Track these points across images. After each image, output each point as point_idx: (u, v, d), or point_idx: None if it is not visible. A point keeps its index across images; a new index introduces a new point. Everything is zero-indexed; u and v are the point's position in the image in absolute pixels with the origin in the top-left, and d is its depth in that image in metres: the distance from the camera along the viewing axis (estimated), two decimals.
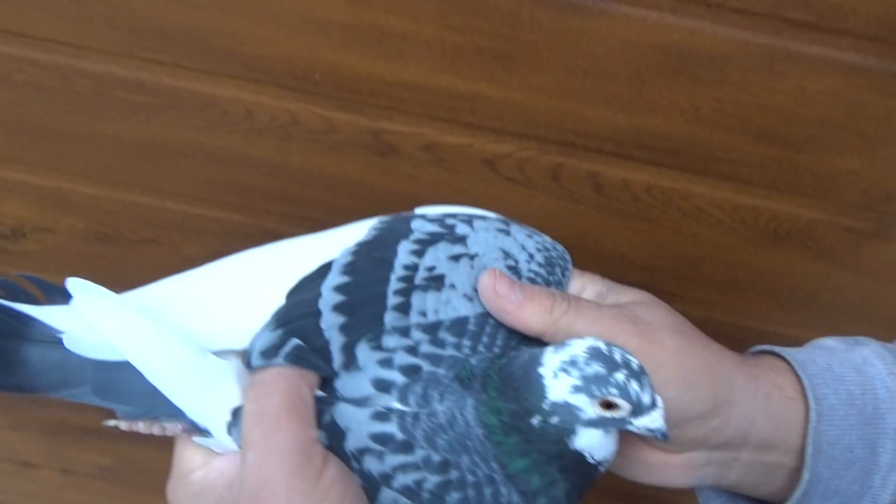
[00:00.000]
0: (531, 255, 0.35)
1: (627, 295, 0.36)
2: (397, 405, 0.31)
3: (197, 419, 0.31)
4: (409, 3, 0.49)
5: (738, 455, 0.36)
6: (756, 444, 0.35)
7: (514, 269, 0.34)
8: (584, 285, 0.37)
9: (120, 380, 0.31)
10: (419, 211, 0.38)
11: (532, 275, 0.35)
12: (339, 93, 0.55)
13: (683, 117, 0.53)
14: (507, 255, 0.35)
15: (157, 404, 0.31)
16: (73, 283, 0.31)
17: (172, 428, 0.32)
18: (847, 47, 0.49)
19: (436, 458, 0.30)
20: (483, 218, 0.37)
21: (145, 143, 0.60)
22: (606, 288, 0.37)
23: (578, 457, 0.31)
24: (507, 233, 0.36)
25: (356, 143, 0.57)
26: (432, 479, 0.30)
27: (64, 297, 0.31)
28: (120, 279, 0.70)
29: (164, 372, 0.30)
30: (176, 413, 0.31)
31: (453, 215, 0.36)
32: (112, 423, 0.33)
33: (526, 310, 0.33)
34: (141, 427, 0.32)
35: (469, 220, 0.35)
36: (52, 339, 0.30)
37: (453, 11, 0.50)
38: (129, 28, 0.53)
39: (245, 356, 0.32)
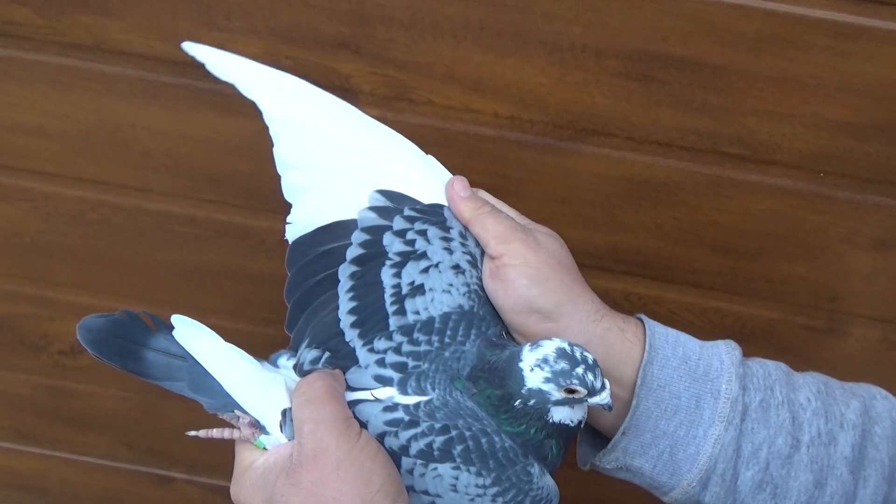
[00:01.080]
0: (465, 237, 0.46)
1: (540, 226, 0.48)
2: (400, 399, 0.41)
3: (257, 417, 0.41)
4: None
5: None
6: (617, 366, 0.44)
7: (458, 268, 0.45)
8: (503, 205, 0.49)
9: (206, 380, 0.41)
10: (377, 189, 0.47)
11: (469, 254, 0.46)
12: None
13: (649, 234, 0.63)
14: (450, 250, 0.46)
15: (231, 400, 0.41)
16: (176, 318, 0.43)
17: (242, 425, 0.41)
18: (778, 174, 0.59)
19: (437, 425, 0.41)
20: (431, 223, 0.46)
21: (193, 269, 0.70)
22: (520, 215, 0.48)
23: (560, 425, 0.41)
24: (448, 229, 0.46)
25: None
26: (439, 440, 0.40)
27: (169, 328, 0.43)
28: (163, 389, 0.79)
29: (235, 382, 0.41)
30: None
31: (411, 222, 0.46)
32: (192, 433, 0.43)
33: (464, 203, 0.46)
34: (215, 434, 0.42)
35: (424, 231, 0.46)
36: (162, 349, 0.42)
37: (453, 154, 0.60)
38: (187, 174, 0.64)
39: (298, 367, 0.44)
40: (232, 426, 0.42)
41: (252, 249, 0.68)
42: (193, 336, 0.42)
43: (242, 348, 0.75)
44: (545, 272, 0.44)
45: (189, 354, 0.42)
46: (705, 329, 0.67)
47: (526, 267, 0.43)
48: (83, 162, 0.65)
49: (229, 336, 0.74)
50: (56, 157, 0.64)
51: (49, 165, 0.65)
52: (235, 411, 0.41)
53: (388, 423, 0.41)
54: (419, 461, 0.41)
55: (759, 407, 0.43)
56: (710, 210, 0.61)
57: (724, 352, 0.45)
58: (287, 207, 0.64)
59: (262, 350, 0.76)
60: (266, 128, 0.61)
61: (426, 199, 0.47)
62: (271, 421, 0.41)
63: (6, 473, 0.90)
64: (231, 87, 0.60)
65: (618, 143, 0.59)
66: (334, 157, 0.47)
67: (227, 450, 0.86)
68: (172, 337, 0.42)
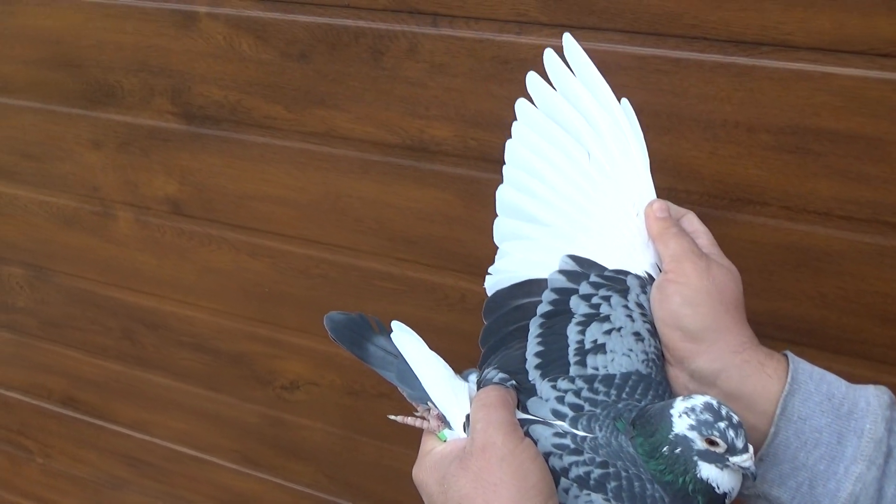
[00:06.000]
0: (643, 308, 0.50)
1: (723, 259, 0.51)
2: (570, 429, 0.47)
3: (446, 414, 0.49)
4: None
5: (708, 391, 0.46)
6: (723, 389, 0.46)
7: (639, 335, 0.50)
8: (705, 233, 0.52)
9: (410, 375, 0.50)
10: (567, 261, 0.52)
11: (649, 323, 0.50)
12: None
13: (812, 303, 0.63)
14: (632, 318, 0.50)
15: (427, 395, 0.50)
16: (396, 324, 0.52)
17: (431, 417, 0.49)
18: None
19: (598, 458, 0.45)
20: (614, 290, 0.51)
21: (389, 318, 0.81)
22: (713, 245, 0.52)
23: (707, 486, 0.43)
24: (628, 298, 0.51)
25: None
26: (597, 472, 0.44)
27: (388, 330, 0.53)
28: (360, 426, 0.91)
29: (432, 381, 0.50)
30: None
31: (596, 289, 0.51)
32: (392, 417, 0.52)
33: (657, 223, 0.51)
34: (409, 421, 0.50)
35: (608, 297, 0.51)
36: (381, 346, 0.52)
37: None
38: (388, 237, 0.77)
39: (481, 382, 0.50)
40: (423, 418, 0.50)
41: (437, 303, 0.78)
42: (406, 340, 0.52)
43: None
44: (701, 297, 0.48)
45: (400, 353, 0.51)
46: None
47: (685, 287, 0.48)
48: (311, 226, 0.80)
49: None
50: (292, 221, 0.81)
51: (286, 229, 0.81)
52: (429, 403, 0.50)
53: (556, 445, 0.46)
54: (575, 485, 0.45)
55: None
56: (876, 280, 0.61)
57: (873, 394, 0.46)
58: (471, 266, 0.74)
59: None
60: (455, 198, 0.72)
61: (612, 265, 0.52)
62: (456, 419, 0.48)
63: (232, 493, 1.07)
64: (426, 164, 0.72)
65: (774, 212, 0.62)
66: (552, 207, 0.54)
67: (409, 489, 0.94)
68: (390, 339, 0.52)
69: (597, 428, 0.46)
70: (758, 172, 0.61)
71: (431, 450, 0.48)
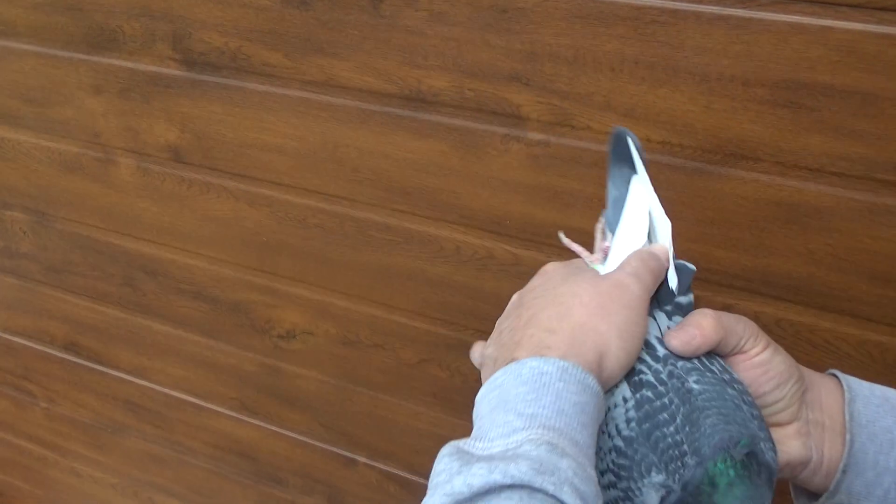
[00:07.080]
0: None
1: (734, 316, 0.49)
2: (661, 367, 0.45)
3: (614, 256, 0.50)
4: (575, 169, 0.68)
5: (820, 419, 0.47)
6: (824, 410, 0.47)
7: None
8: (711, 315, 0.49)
9: (619, 204, 0.52)
10: None
11: None
12: (524, 234, 0.74)
13: (801, 259, 0.64)
14: None
15: (615, 226, 0.51)
16: (639, 177, 0.52)
17: (599, 249, 0.52)
18: None
19: (663, 375, 0.44)
20: None
21: (385, 269, 0.82)
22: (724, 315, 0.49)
23: None
24: None
25: None
26: (649, 376, 0.44)
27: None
28: (354, 376, 0.92)
29: (630, 229, 0.51)
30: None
31: None
32: (561, 235, 0.53)
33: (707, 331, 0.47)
34: (574, 247, 0.53)
35: None
36: (627, 171, 0.53)
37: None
38: (385, 187, 0.77)
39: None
40: (588, 250, 0.52)
41: (433, 255, 0.79)
42: (641, 186, 0.52)
43: (420, 345, 0.86)
44: (770, 343, 0.48)
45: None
46: (864, 363, 0.65)
47: (771, 368, 0.47)
48: (309, 175, 0.80)
49: (409, 333, 0.86)
50: (290, 171, 0.81)
51: (285, 178, 0.82)
52: (610, 236, 0.51)
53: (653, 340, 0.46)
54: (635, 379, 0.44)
55: None
56: (865, 237, 0.61)
57: None
58: (466, 218, 0.75)
59: (435, 350, 0.86)
60: (451, 149, 0.73)
61: None
62: (616, 266, 0.48)
63: (229, 440, 1.09)
64: (423, 114, 0.73)
65: (766, 168, 0.62)
66: None
67: (401, 439, 0.96)
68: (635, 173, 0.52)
69: (694, 379, 0.44)
70: (752, 127, 0.61)
71: (572, 264, 0.50)
